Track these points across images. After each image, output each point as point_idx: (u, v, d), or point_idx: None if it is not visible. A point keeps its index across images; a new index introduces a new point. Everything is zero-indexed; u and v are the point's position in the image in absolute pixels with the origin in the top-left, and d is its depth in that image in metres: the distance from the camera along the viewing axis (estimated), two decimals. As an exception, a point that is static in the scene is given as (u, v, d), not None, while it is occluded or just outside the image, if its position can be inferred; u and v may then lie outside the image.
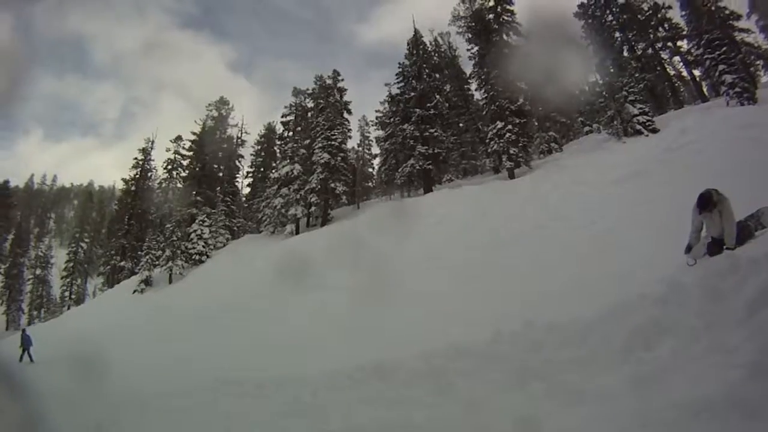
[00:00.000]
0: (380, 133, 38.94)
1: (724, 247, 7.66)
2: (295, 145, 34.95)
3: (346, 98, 36.48)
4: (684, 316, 4.56)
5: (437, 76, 37.83)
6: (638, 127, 26.64)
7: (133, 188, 43.66)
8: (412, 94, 35.02)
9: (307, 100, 38.71)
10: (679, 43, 36.86)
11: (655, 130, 26.11)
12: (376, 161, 40.96)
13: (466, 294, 13.49)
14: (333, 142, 32.84)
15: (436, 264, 17.66)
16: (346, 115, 36.13)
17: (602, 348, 4.95)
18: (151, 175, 44.66)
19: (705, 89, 36.09)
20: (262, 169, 42.87)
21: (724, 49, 29.05)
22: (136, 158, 44.11)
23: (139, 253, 36.45)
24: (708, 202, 7.89)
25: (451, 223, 21.90)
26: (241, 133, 43.29)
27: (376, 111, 39.99)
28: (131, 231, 41.77)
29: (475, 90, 36.82)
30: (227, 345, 15.14)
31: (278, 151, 40.21)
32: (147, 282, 32.88)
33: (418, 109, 33.90)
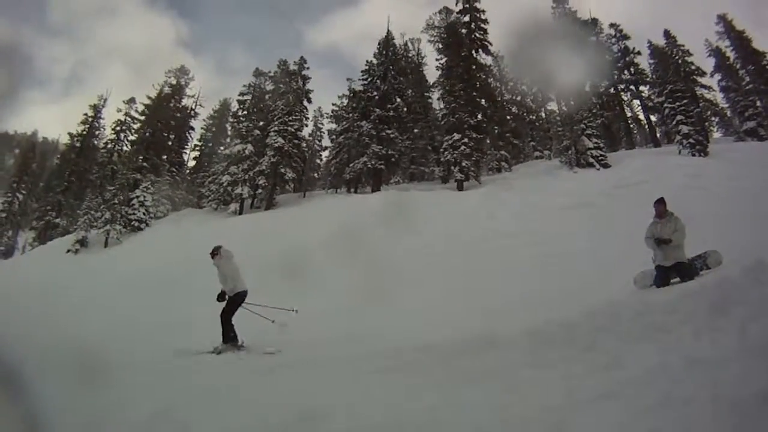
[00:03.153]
0: (334, 126, 39.12)
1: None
2: (250, 125, 34.80)
3: (308, 87, 36.51)
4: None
5: (401, 79, 38.18)
6: (591, 160, 27.74)
7: (78, 144, 42.33)
8: (375, 93, 35.38)
9: (267, 82, 38.58)
10: (641, 88, 38.49)
11: (606, 165, 27.31)
12: (325, 153, 40.93)
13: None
14: (289, 128, 32.88)
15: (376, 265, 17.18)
16: (306, 103, 36.12)
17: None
18: (98, 134, 43.32)
19: (658, 135, 37.87)
20: (210, 144, 42.56)
21: (685, 101, 30.70)
22: (85, 114, 42.48)
23: (78, 211, 35.34)
24: (664, 203, 8.63)
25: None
26: (196, 105, 42.46)
27: (333, 104, 40.05)
28: (71, 188, 40.48)
29: (437, 99, 37.41)
30: (150, 318, 14.79)
31: (230, 128, 39.86)
32: (82, 243, 31.93)
33: (378, 109, 34.24)
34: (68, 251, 31.66)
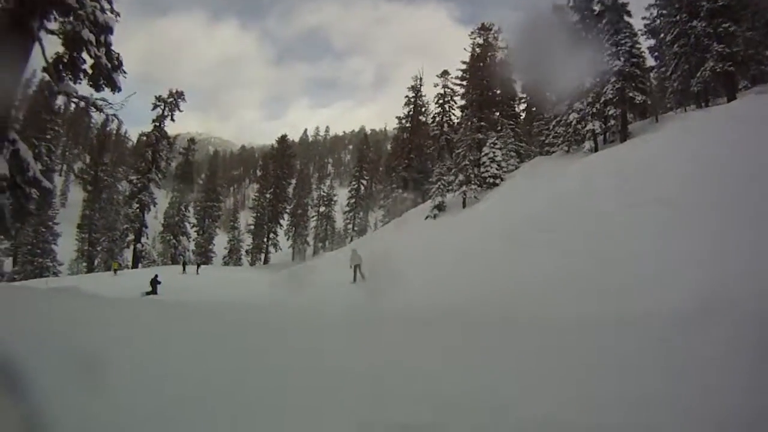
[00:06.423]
0: (652, 42, 37.20)
1: None
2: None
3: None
4: None
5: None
6: None
7: (407, 125, 47.24)
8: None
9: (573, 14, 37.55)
10: None
11: None
12: (652, 74, 37.72)
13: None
14: (622, 48, 30.71)
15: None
16: (626, 18, 32.39)
17: None
18: (424, 110, 47.83)
19: None
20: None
21: None
22: (407, 96, 47.95)
23: (430, 179, 38.86)
24: None
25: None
26: (507, 57, 43.40)
27: (643, 18, 37.98)
28: (412, 164, 45.37)
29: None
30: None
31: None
32: (440, 207, 35.16)
33: (705, 2, 29.84)
34: (426, 217, 35.23)
